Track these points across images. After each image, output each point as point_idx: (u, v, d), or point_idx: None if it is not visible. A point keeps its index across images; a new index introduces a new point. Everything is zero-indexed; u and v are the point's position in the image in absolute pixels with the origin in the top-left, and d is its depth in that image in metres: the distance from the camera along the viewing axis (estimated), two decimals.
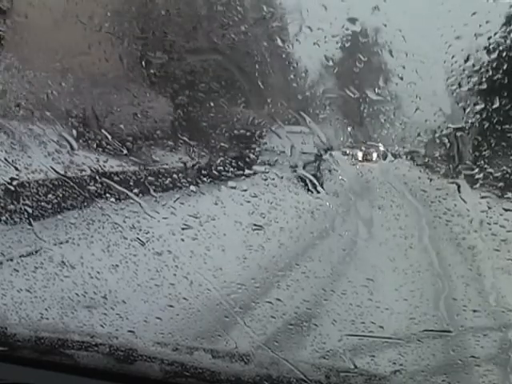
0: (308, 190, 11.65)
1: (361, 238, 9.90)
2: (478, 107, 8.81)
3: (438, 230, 9.81)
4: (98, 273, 7.49)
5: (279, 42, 10.59)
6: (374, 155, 19.45)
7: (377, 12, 7.05)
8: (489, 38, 9.07)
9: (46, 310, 6.12)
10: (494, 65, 9.11)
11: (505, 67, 9.11)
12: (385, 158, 19.43)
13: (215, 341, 5.40)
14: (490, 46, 9.29)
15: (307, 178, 11.13)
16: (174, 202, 8.50)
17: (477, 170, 8.36)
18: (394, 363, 4.99)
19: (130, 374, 2.47)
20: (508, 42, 9.54)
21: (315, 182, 11.75)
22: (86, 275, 7.38)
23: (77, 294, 6.90)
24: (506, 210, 7.35)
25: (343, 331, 6.05)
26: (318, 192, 11.44)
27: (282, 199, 11.35)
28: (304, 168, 12.78)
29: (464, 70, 9.51)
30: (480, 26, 7.55)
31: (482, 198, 7.63)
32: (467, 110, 9.37)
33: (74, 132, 8.08)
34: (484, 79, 9.10)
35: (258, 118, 14.25)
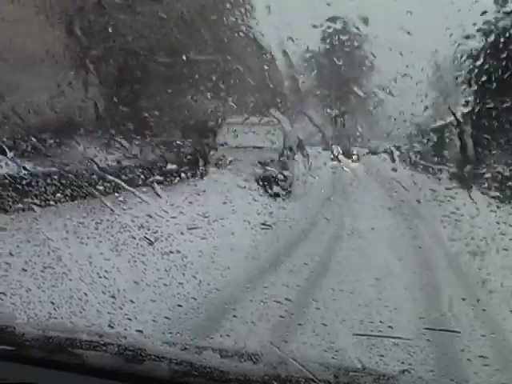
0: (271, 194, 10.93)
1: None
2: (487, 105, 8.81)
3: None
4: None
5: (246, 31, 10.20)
6: (356, 152, 18.98)
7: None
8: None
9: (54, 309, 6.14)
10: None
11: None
12: (372, 154, 19.01)
13: (224, 340, 5.41)
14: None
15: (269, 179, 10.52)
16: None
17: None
18: (403, 363, 4.98)
19: (139, 374, 2.46)
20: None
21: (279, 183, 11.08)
22: None
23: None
24: None
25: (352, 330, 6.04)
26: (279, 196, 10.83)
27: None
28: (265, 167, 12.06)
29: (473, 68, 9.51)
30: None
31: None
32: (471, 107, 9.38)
33: None
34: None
35: (216, 109, 13.33)
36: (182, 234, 8.87)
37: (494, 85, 9.60)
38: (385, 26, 7.47)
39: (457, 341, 5.59)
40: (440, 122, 11.32)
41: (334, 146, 18.90)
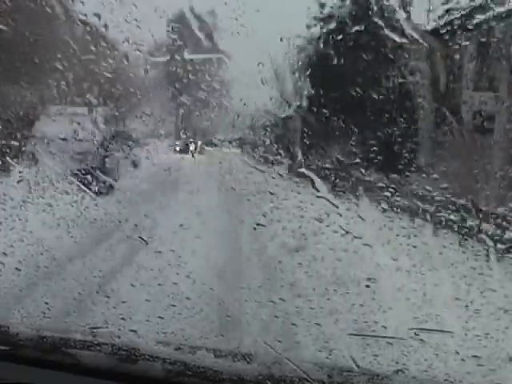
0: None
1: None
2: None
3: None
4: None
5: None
6: (192, 146, 18.79)
7: None
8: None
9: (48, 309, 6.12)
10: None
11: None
12: (216, 146, 18.92)
13: (218, 340, 5.40)
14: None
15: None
16: None
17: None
18: (397, 363, 4.98)
19: (133, 374, 2.46)
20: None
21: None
22: None
23: None
24: None
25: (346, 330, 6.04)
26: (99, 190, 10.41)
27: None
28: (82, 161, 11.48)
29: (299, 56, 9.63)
30: None
31: None
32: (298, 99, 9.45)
33: None
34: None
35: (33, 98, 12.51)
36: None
37: (333, 76, 9.78)
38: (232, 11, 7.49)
39: (450, 341, 5.60)
40: (283, 114, 11.38)
41: (178, 139, 18.83)
